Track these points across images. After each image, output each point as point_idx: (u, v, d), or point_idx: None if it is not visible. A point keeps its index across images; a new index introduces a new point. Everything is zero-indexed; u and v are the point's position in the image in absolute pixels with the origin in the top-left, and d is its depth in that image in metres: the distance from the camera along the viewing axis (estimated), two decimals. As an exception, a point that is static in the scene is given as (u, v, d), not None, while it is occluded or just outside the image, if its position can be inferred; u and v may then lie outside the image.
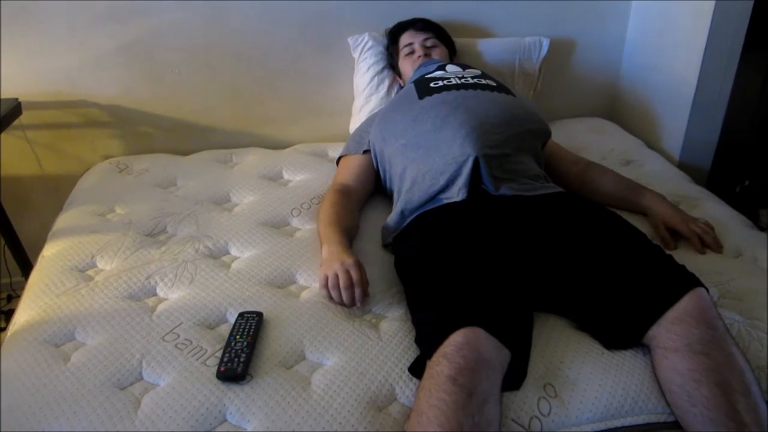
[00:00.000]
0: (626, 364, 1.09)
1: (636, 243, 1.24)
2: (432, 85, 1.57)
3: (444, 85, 1.55)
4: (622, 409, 1.04)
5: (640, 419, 1.04)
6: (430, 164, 1.40)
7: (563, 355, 1.11)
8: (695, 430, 0.98)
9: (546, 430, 1.01)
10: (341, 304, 1.22)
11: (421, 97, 1.53)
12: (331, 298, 1.23)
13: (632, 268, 1.16)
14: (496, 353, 1.00)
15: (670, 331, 1.05)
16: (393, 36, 1.89)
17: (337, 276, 1.22)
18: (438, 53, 1.80)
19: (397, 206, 1.44)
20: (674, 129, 1.98)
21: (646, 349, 1.11)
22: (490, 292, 1.11)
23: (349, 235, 1.40)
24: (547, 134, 1.60)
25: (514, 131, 1.46)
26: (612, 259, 1.19)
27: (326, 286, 1.23)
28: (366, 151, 1.60)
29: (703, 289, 1.10)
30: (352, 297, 1.21)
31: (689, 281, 1.11)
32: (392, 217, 1.43)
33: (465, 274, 1.16)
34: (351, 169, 1.58)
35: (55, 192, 1.93)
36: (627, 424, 1.04)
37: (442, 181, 1.37)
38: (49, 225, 1.62)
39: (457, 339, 0.99)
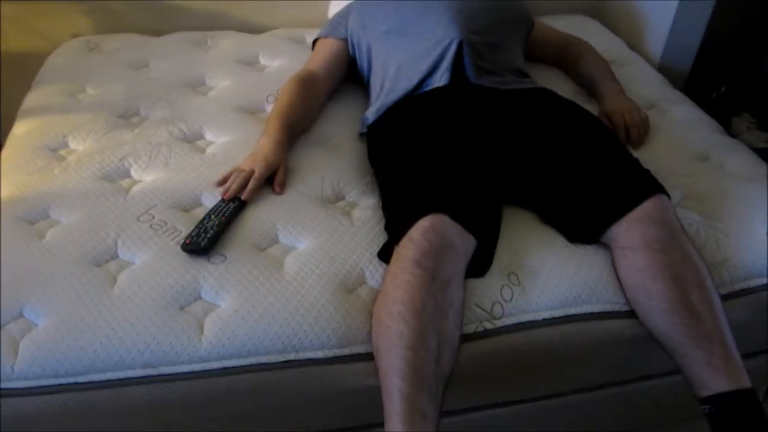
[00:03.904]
0: (587, 257, 1.14)
1: (605, 144, 1.25)
2: None
3: None
4: (580, 298, 1.10)
5: (596, 308, 1.10)
6: (414, 49, 1.39)
7: (528, 246, 1.15)
8: (653, 322, 1.04)
9: (507, 314, 1.07)
10: (226, 187, 1.21)
11: None
12: (224, 181, 1.23)
13: (598, 168, 1.19)
14: (460, 239, 1.03)
15: (628, 232, 1.08)
16: None
17: (251, 170, 1.22)
18: None
19: (380, 97, 1.42)
20: (658, 30, 1.95)
21: (607, 242, 1.16)
22: (458, 181, 1.14)
23: (299, 128, 1.38)
24: (531, 24, 1.60)
25: (498, 17, 1.46)
26: (580, 158, 1.21)
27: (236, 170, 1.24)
28: (342, 39, 1.56)
29: (664, 196, 1.12)
30: (241, 188, 1.20)
31: (652, 187, 1.13)
32: (372, 109, 1.41)
33: (435, 163, 1.17)
34: (322, 56, 1.54)
35: (22, 70, 1.84)
36: (583, 312, 1.09)
37: (425, 66, 1.36)
38: (15, 104, 1.57)
39: (423, 224, 1.02)
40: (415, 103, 1.35)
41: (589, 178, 1.17)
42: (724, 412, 0.95)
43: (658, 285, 1.03)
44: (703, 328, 0.99)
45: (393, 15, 1.46)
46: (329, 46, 1.55)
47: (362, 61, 1.54)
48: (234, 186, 1.20)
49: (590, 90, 1.60)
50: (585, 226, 1.15)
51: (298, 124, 1.38)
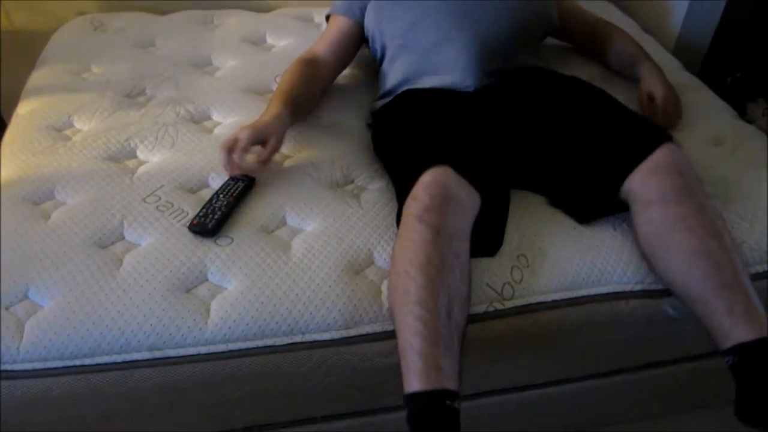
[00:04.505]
0: (596, 239, 1.13)
1: (608, 106, 1.24)
2: None
3: None
4: (589, 279, 1.09)
5: (606, 289, 1.09)
6: (428, 75, 1.36)
7: (537, 228, 1.14)
8: (672, 275, 1.03)
9: (517, 295, 1.06)
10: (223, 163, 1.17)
11: None
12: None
13: (606, 128, 1.17)
14: (465, 193, 1.02)
15: (643, 185, 1.07)
16: None
17: (235, 139, 1.16)
18: None
19: (389, 94, 1.40)
20: (673, 15, 1.92)
21: (616, 223, 1.14)
22: (463, 142, 1.13)
23: (301, 104, 1.33)
24: (553, 23, 1.54)
25: (520, 42, 1.42)
26: (586, 124, 1.19)
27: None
28: (354, 20, 1.50)
29: (674, 144, 1.10)
30: (225, 159, 1.15)
31: (661, 136, 1.12)
32: (379, 102, 1.40)
33: (440, 131, 1.17)
34: (331, 37, 1.48)
35: (27, 49, 1.83)
36: (593, 293, 1.08)
37: (437, 86, 1.35)
38: (20, 83, 1.56)
39: (425, 179, 1.01)
40: (421, 93, 1.34)
41: (597, 138, 1.16)
42: (746, 361, 0.93)
43: (674, 236, 1.01)
44: (723, 277, 0.97)
45: (410, 32, 1.40)
46: (340, 26, 1.50)
47: (375, 51, 1.50)
48: (222, 158, 1.15)
49: (628, 66, 1.54)
50: (599, 188, 1.13)
51: (301, 100, 1.33)
